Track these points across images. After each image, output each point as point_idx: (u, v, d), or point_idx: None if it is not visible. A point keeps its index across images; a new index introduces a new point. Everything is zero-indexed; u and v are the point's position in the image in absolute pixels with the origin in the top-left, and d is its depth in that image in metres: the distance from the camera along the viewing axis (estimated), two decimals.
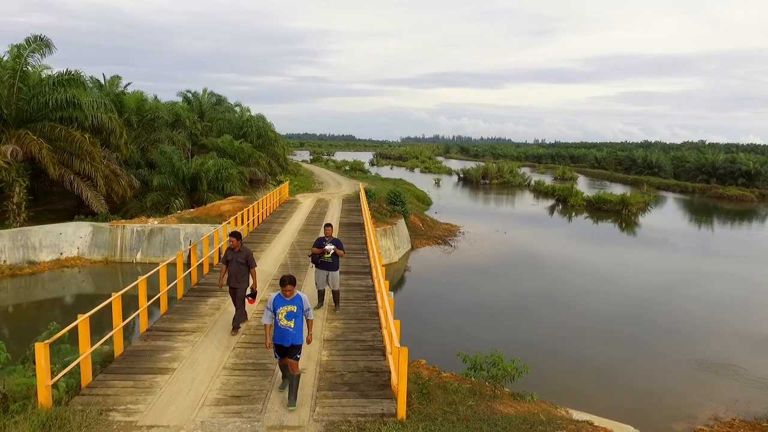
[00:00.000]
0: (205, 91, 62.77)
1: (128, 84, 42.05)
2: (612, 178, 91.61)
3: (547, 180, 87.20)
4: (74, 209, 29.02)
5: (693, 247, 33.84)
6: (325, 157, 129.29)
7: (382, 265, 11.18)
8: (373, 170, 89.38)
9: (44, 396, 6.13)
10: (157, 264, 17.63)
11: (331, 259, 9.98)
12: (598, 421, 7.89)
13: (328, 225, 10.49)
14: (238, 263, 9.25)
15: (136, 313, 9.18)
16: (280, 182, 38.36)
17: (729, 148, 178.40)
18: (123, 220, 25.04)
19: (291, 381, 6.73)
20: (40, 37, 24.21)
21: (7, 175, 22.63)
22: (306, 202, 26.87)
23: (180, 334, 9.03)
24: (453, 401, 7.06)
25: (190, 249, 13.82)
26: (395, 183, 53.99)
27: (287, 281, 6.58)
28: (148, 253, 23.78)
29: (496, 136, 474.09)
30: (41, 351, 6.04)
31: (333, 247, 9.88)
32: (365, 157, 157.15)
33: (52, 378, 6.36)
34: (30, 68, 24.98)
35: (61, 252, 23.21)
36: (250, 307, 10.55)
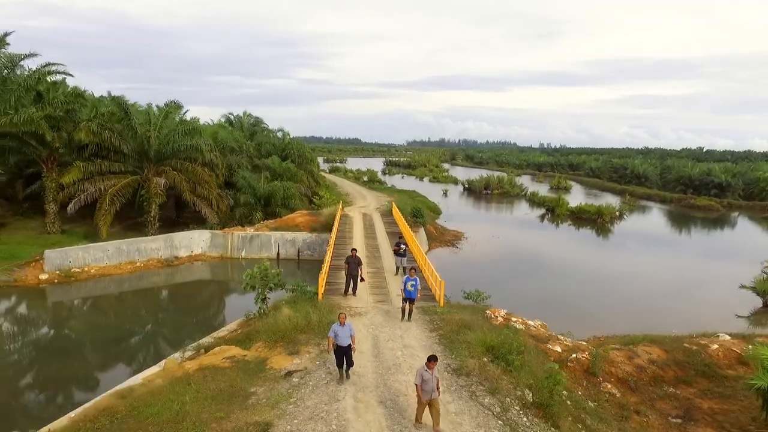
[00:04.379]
0: (245, 113, 75.20)
1: (187, 110, 53.49)
2: (603, 188, 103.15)
3: (544, 189, 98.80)
4: (174, 221, 40.71)
5: (641, 245, 45.36)
6: (340, 165, 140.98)
7: (425, 251, 22.94)
8: (386, 180, 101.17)
9: (321, 294, 17.84)
10: (257, 260, 30.03)
11: (403, 252, 21.67)
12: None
13: (401, 236, 22.21)
14: (355, 263, 19.50)
15: (325, 269, 20.90)
16: (321, 197, 50.07)
17: (724, 155, 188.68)
18: (230, 228, 36.77)
19: (411, 311, 16.85)
20: (175, 102, 36.13)
21: (159, 198, 34.48)
22: (356, 217, 38.59)
23: (341, 281, 20.65)
24: (460, 305, 18.72)
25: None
26: (411, 195, 65.65)
27: (411, 268, 17.50)
28: (249, 252, 35.50)
29: (501, 140, 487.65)
30: (322, 276, 17.77)
31: (405, 246, 21.59)
32: (375, 163, 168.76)
33: (320, 289, 18.05)
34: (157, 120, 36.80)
35: (192, 250, 34.93)
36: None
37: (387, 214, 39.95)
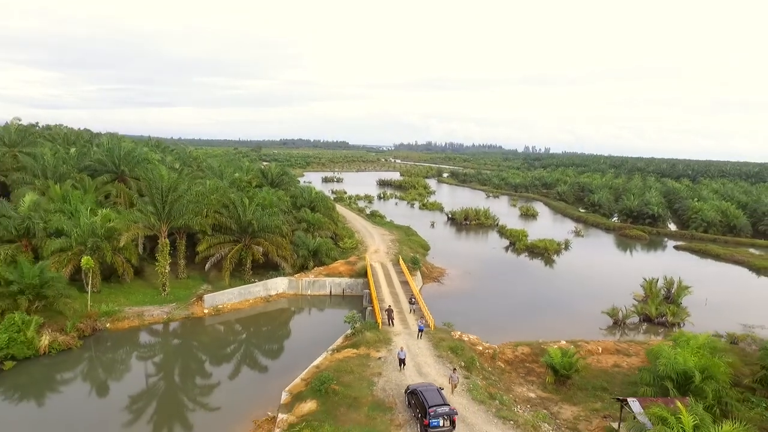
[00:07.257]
0: (274, 164, 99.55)
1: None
2: (566, 213, 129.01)
3: (516, 213, 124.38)
4: (255, 265, 64.64)
5: (568, 270, 70.39)
6: (338, 186, 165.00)
7: (420, 286, 47.84)
8: (382, 206, 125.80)
9: (378, 323, 42.30)
10: (317, 296, 55.78)
11: (413, 302, 46.25)
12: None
13: (413, 295, 46.79)
14: (391, 311, 44.35)
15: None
16: (345, 241, 74.45)
17: (687, 168, 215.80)
18: (298, 275, 61.03)
19: (420, 336, 41.65)
20: (266, 191, 60.26)
21: (259, 259, 58.75)
22: (378, 269, 62.89)
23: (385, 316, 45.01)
24: (440, 329, 43.31)
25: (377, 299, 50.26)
26: (407, 232, 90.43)
27: (421, 317, 42.20)
28: (312, 290, 59.86)
29: (488, 143, 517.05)
30: (376, 308, 42.15)
31: (416, 300, 46.19)
32: (369, 180, 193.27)
33: (379, 322, 42.54)
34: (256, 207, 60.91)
35: (278, 291, 59.14)
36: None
37: (396, 264, 64.69)
